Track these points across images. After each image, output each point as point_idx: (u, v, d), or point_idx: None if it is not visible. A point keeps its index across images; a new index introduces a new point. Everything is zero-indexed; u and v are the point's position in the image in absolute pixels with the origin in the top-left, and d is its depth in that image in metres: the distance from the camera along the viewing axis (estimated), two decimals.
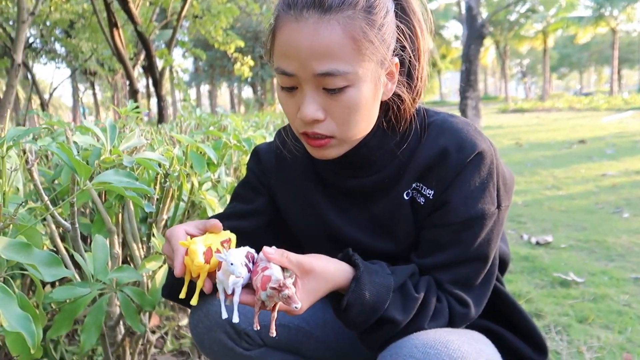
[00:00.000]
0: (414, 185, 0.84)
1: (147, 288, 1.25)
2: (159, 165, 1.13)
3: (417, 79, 0.84)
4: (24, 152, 0.99)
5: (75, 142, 1.08)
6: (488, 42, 31.79)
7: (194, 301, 0.68)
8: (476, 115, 13.19)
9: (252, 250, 0.68)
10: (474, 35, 12.85)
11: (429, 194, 0.83)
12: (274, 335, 0.65)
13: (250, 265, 0.66)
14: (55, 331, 1.02)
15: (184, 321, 1.87)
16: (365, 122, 0.79)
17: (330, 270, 0.72)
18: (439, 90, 50.50)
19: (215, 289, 0.68)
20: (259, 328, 0.66)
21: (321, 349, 1.03)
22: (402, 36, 0.80)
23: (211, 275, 0.67)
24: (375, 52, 0.73)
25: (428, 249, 0.84)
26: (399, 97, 0.83)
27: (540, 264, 2.41)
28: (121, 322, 1.30)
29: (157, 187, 1.18)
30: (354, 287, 0.74)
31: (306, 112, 0.74)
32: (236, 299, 0.65)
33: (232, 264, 0.61)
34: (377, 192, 0.87)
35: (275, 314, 0.64)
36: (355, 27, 0.70)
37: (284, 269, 0.65)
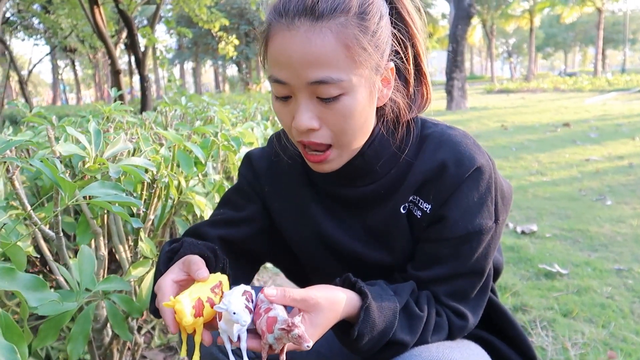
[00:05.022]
0: (410, 198, 0.83)
1: (135, 294, 1.23)
2: (146, 171, 1.09)
3: (411, 83, 0.83)
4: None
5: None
6: (475, 20, 31.64)
7: (196, 357, 0.65)
8: (462, 96, 13.23)
9: (248, 288, 0.66)
10: (462, 15, 12.78)
11: (426, 207, 0.82)
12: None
13: (250, 305, 0.64)
14: (40, 342, 0.99)
15: None
16: (360, 129, 0.77)
17: (337, 301, 0.69)
18: None
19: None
20: None
21: (311, 358, 1.03)
22: (398, 40, 0.78)
23: (208, 323, 0.65)
24: (368, 59, 0.72)
25: (425, 262, 0.84)
26: (395, 102, 0.82)
27: (526, 255, 2.45)
28: (108, 325, 1.28)
29: (144, 191, 1.15)
30: (363, 317, 0.72)
31: (300, 121, 0.72)
32: (244, 345, 0.62)
33: (234, 312, 0.58)
34: (373, 203, 0.86)
35: (283, 357, 0.61)
36: (348, 35, 0.69)
37: (286, 306, 0.64)
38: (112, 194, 0.85)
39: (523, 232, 2.85)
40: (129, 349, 1.38)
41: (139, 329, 1.78)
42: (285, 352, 0.62)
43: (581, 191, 3.83)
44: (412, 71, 0.82)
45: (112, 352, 1.33)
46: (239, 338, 0.62)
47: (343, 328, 0.74)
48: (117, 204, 0.85)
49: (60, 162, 0.91)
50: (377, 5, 0.73)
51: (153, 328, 1.86)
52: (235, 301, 0.59)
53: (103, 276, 1.26)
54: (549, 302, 1.90)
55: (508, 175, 4.58)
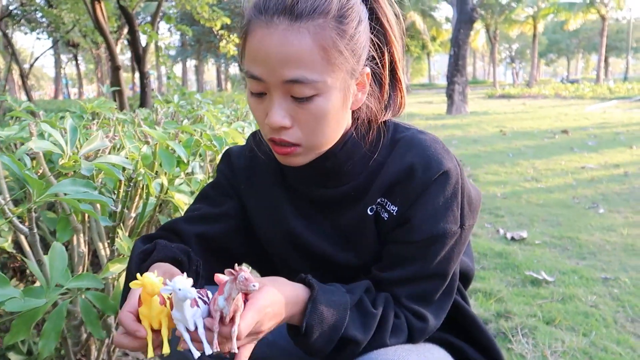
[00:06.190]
0: (378, 200, 0.84)
1: (112, 290, 1.23)
2: (123, 169, 1.10)
3: (386, 88, 0.83)
4: None
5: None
6: (478, 25, 31.72)
7: (165, 350, 0.64)
8: (463, 101, 13.21)
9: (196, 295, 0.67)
10: (464, 19, 12.77)
11: (392, 210, 0.82)
12: (236, 351, 0.63)
13: (206, 300, 0.64)
14: (12, 337, 0.99)
15: None
16: (332, 131, 0.78)
17: (285, 283, 0.72)
18: (428, 73, 50.40)
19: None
20: (218, 350, 0.62)
21: (275, 354, 1.03)
22: (375, 46, 0.79)
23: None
24: (344, 63, 0.73)
25: (389, 264, 0.84)
26: (368, 107, 0.82)
27: (514, 261, 2.44)
28: None
29: (121, 189, 1.16)
30: (311, 308, 0.73)
31: (273, 118, 0.73)
32: (201, 331, 0.62)
33: (180, 289, 0.58)
34: (343, 204, 0.87)
35: (235, 328, 0.62)
36: (325, 37, 0.70)
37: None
38: (82, 192, 0.85)
39: (513, 239, 2.84)
40: (107, 346, 1.38)
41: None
42: (237, 324, 0.62)
43: (575, 199, 3.83)
44: (387, 77, 0.83)
45: (90, 349, 1.33)
46: (196, 329, 0.62)
47: (295, 329, 0.75)
48: (95, 203, 0.85)
49: (32, 159, 0.92)
50: (357, 10, 0.74)
51: None
52: (180, 279, 0.59)
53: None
54: (532, 309, 1.90)
55: (503, 181, 4.58)
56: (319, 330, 0.73)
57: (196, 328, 0.62)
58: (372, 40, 0.78)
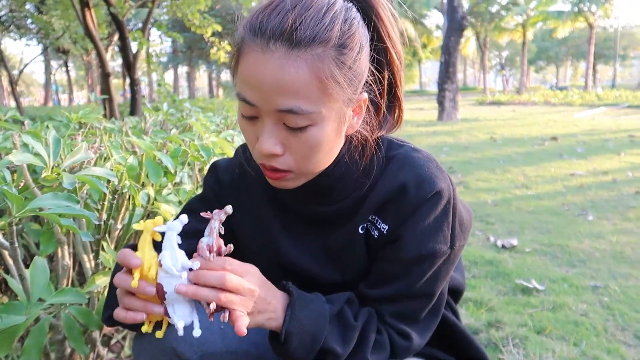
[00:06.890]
0: (369, 218, 0.83)
1: (97, 304, 1.21)
2: (107, 182, 1.08)
3: (382, 109, 0.81)
4: None
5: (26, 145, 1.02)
6: (469, 33, 32.03)
7: (144, 328, 0.65)
8: (453, 107, 13.28)
9: None
10: (454, 27, 12.87)
11: (383, 228, 0.82)
12: (231, 249, 0.69)
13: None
14: None
15: None
16: (325, 158, 0.77)
17: (266, 282, 0.75)
18: (419, 80, 50.71)
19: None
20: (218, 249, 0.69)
21: None
22: (375, 71, 0.76)
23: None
24: (341, 93, 0.70)
25: (376, 281, 0.84)
26: (364, 128, 0.81)
27: (504, 269, 2.44)
28: None
29: (106, 201, 1.14)
30: (290, 315, 0.74)
31: (264, 146, 0.72)
32: (186, 279, 0.65)
33: (172, 220, 0.64)
34: (335, 223, 0.86)
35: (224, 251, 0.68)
36: (324, 68, 0.67)
37: None
38: (64, 206, 0.83)
39: (503, 247, 2.85)
40: None
41: (109, 339, 1.75)
42: (222, 252, 0.68)
43: (564, 206, 3.84)
44: (385, 98, 0.80)
45: None
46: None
47: (275, 336, 0.75)
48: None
49: (12, 172, 0.90)
50: (358, 37, 0.71)
51: (124, 338, 1.82)
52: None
53: (67, 287, 1.24)
54: (523, 318, 1.90)
55: (494, 188, 4.59)
56: (298, 338, 0.73)
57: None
58: (372, 62, 0.75)
